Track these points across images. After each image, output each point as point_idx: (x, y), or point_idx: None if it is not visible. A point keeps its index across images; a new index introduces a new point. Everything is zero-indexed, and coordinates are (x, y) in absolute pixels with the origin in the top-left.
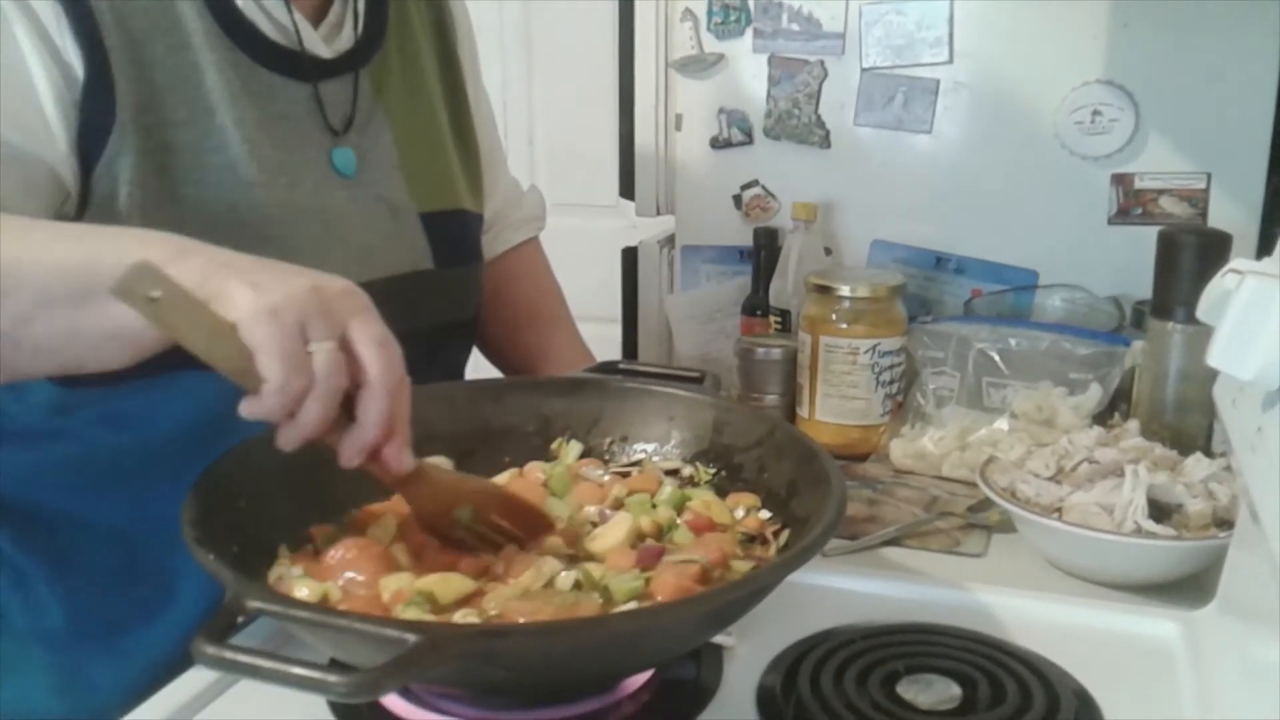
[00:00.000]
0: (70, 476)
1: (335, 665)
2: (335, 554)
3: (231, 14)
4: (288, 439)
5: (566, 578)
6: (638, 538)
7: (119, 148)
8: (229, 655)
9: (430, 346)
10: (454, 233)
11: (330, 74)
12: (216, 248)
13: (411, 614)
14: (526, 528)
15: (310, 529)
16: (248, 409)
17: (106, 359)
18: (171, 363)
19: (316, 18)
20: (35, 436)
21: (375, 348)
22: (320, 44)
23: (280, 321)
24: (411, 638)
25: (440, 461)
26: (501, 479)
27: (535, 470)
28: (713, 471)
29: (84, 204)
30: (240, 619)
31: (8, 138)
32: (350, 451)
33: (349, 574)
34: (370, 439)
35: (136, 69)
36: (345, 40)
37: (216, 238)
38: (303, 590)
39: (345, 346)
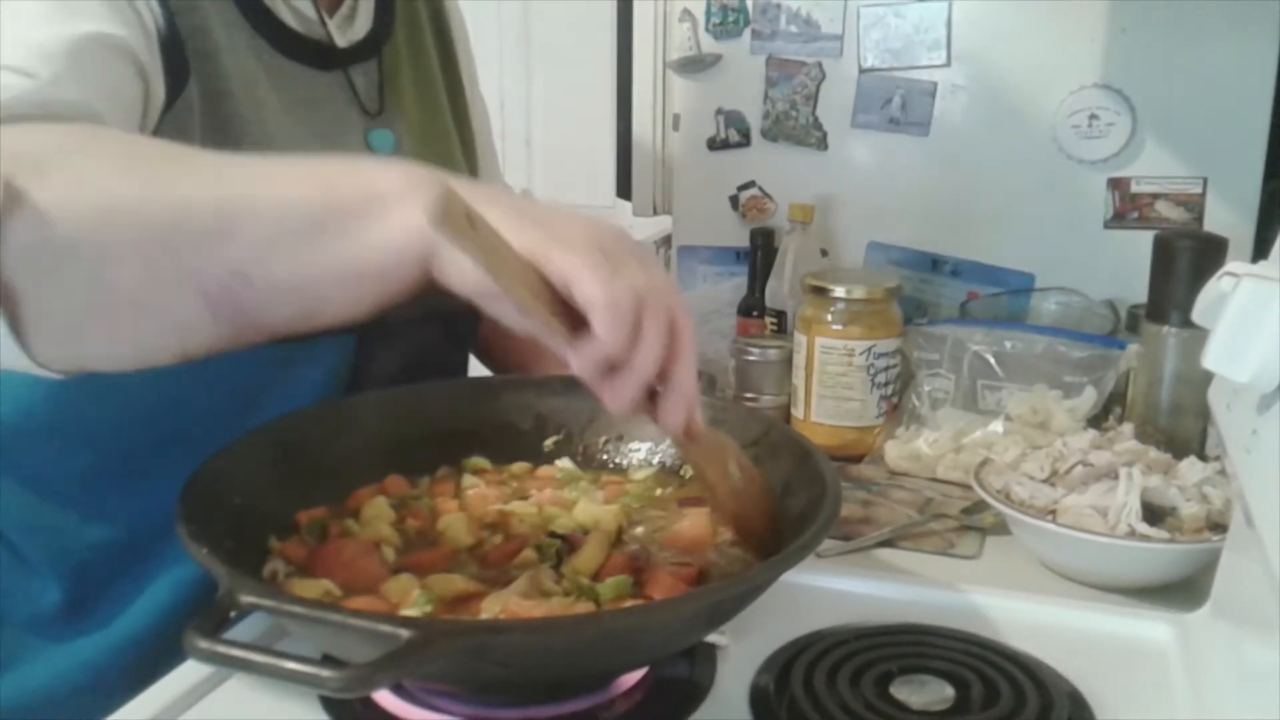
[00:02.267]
0: (83, 456)
1: (328, 660)
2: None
3: (252, 2)
4: (624, 390)
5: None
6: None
7: (189, 101)
8: (221, 649)
9: (450, 329)
10: None
11: (352, 61)
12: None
13: (414, 613)
14: (759, 494)
15: (297, 515)
16: (578, 357)
17: (346, 302)
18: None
19: (331, 8)
20: (50, 416)
21: (674, 286)
22: (336, 34)
23: (592, 258)
24: (405, 633)
25: (479, 462)
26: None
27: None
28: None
29: None
30: (233, 613)
31: (116, 33)
32: (674, 414)
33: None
34: (691, 393)
35: (199, 33)
36: (359, 30)
37: None
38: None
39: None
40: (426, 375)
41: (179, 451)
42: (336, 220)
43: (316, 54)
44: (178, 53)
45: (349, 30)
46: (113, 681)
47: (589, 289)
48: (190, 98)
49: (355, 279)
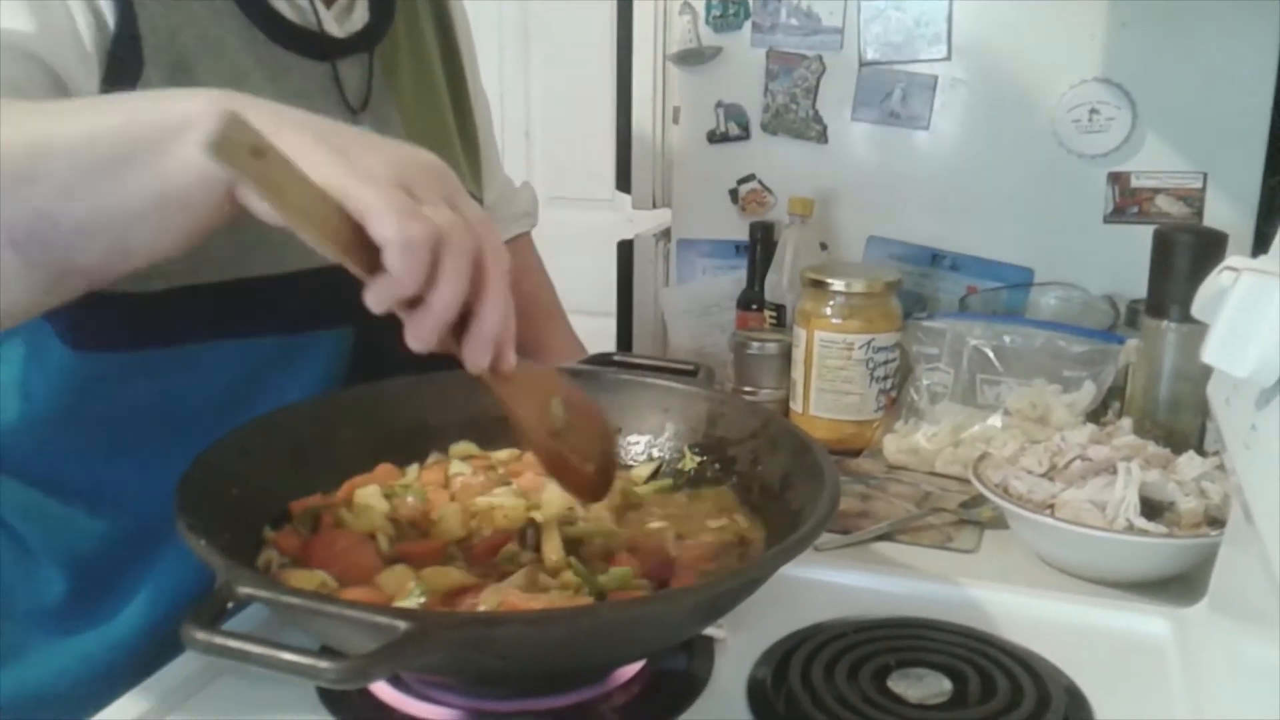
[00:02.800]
0: (85, 447)
1: (326, 652)
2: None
3: None
4: (421, 330)
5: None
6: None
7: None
8: (219, 640)
9: None
10: None
11: (345, 53)
12: (274, 103)
13: (412, 603)
14: (591, 434)
15: (290, 504)
16: (373, 294)
17: (154, 236)
18: (201, 334)
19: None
20: (53, 406)
21: (484, 224)
22: (333, 23)
23: (379, 184)
24: (402, 625)
25: (466, 447)
26: (500, 456)
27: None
28: (700, 459)
29: None
30: (231, 605)
31: (21, 29)
32: (477, 354)
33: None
34: (497, 331)
35: (168, 31)
36: (356, 21)
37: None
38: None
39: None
40: (428, 369)
41: (181, 444)
42: (133, 152)
43: (310, 44)
44: (130, 51)
45: (346, 21)
46: (115, 674)
47: (382, 226)
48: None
49: (158, 211)
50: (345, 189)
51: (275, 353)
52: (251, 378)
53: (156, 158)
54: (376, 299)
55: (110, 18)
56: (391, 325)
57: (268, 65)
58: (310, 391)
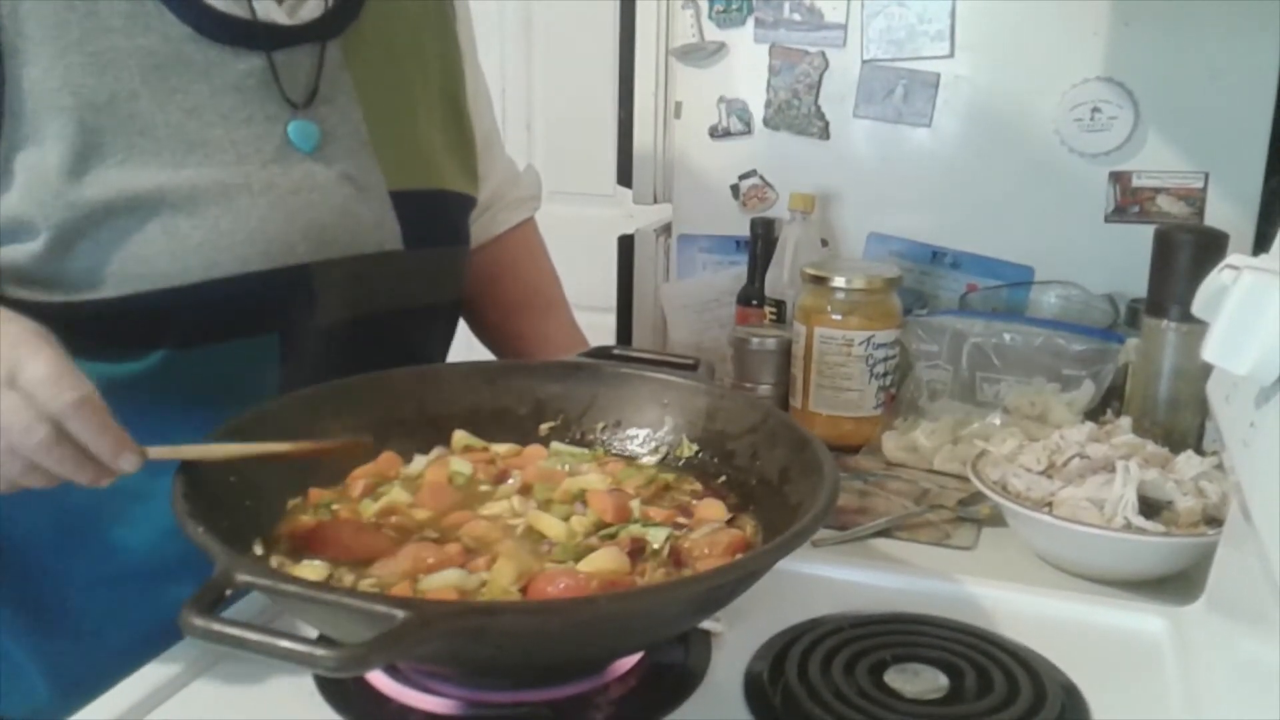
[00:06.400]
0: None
1: (324, 640)
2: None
3: None
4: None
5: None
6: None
7: (14, 139)
8: (217, 627)
9: (396, 331)
10: (428, 213)
11: (287, 43)
12: None
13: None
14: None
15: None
16: None
17: None
18: (131, 343)
19: None
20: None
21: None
22: (278, 12)
23: None
24: (400, 613)
25: (466, 439)
26: (500, 450)
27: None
28: (695, 449)
29: None
30: (229, 592)
31: None
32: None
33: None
34: (105, 455)
35: (48, 58)
36: (311, 9)
37: (142, 216)
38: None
39: None
40: (392, 364)
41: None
42: None
43: (241, 34)
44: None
45: (300, 9)
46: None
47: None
48: (41, 122)
49: None
50: None
51: (202, 361)
52: (185, 386)
53: None
54: None
55: None
56: (317, 330)
57: (193, 62)
58: (246, 400)
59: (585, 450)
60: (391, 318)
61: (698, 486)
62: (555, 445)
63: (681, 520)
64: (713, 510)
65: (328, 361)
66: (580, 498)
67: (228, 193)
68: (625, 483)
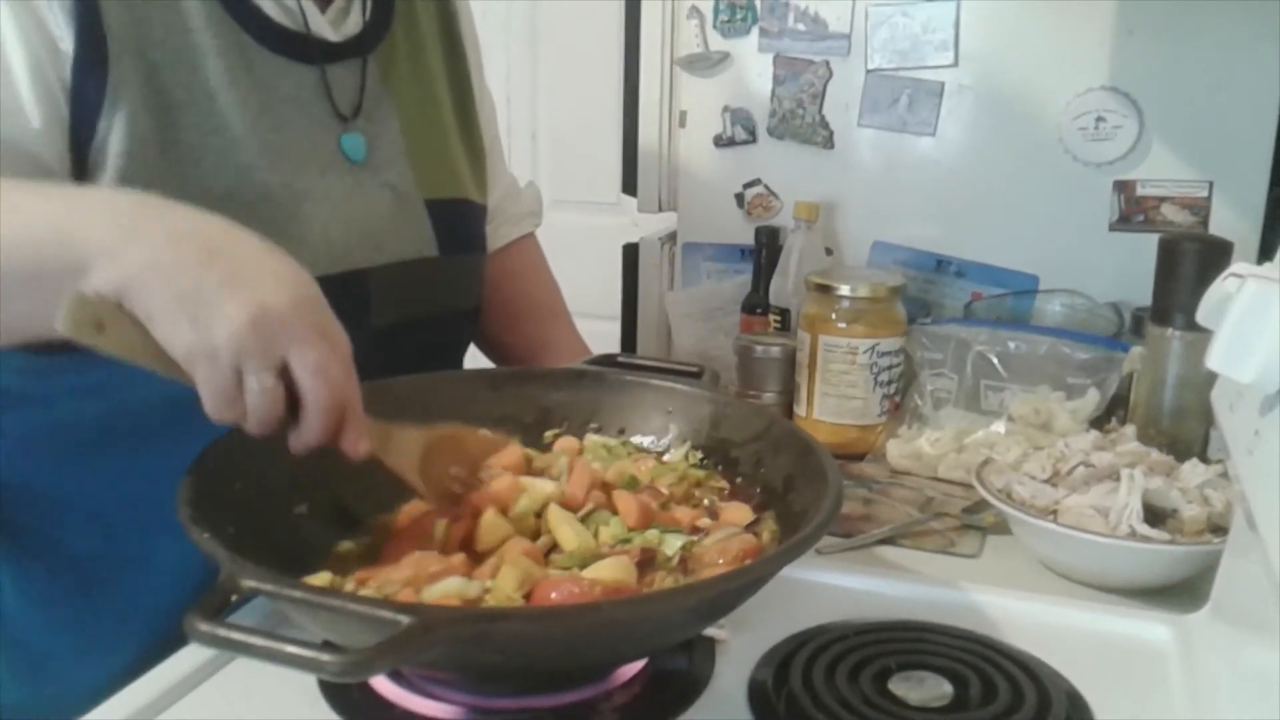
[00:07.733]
0: (51, 447)
1: (329, 646)
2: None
3: None
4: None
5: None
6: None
7: (111, 125)
8: (222, 633)
9: (431, 334)
10: (457, 221)
11: (337, 58)
12: (179, 215)
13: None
14: (478, 453)
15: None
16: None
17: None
18: None
19: (324, 2)
20: (14, 403)
21: (311, 378)
22: (327, 28)
23: (216, 365)
24: (405, 619)
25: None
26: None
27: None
28: (700, 458)
29: (80, 177)
30: (234, 598)
31: None
32: (295, 446)
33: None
34: (312, 441)
35: (136, 49)
36: (352, 25)
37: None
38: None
39: (284, 373)
40: (426, 367)
41: (161, 437)
42: (38, 284)
43: (299, 47)
44: (94, 78)
45: (343, 25)
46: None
47: (204, 406)
48: (132, 114)
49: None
50: (183, 364)
51: None
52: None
53: (54, 295)
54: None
55: (69, 43)
56: (367, 334)
57: (256, 70)
58: None
59: (619, 443)
60: (429, 321)
61: (724, 485)
62: (590, 438)
63: (705, 523)
64: (738, 514)
65: (374, 364)
66: (633, 485)
67: (294, 198)
68: (659, 480)
